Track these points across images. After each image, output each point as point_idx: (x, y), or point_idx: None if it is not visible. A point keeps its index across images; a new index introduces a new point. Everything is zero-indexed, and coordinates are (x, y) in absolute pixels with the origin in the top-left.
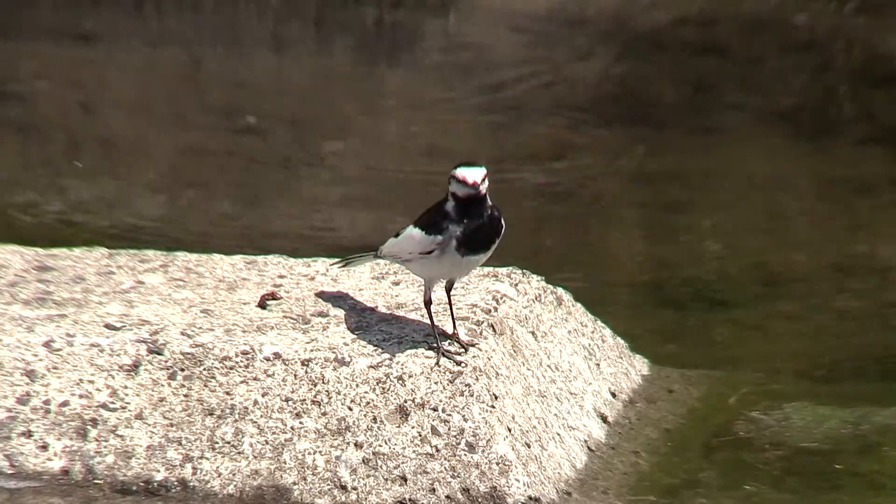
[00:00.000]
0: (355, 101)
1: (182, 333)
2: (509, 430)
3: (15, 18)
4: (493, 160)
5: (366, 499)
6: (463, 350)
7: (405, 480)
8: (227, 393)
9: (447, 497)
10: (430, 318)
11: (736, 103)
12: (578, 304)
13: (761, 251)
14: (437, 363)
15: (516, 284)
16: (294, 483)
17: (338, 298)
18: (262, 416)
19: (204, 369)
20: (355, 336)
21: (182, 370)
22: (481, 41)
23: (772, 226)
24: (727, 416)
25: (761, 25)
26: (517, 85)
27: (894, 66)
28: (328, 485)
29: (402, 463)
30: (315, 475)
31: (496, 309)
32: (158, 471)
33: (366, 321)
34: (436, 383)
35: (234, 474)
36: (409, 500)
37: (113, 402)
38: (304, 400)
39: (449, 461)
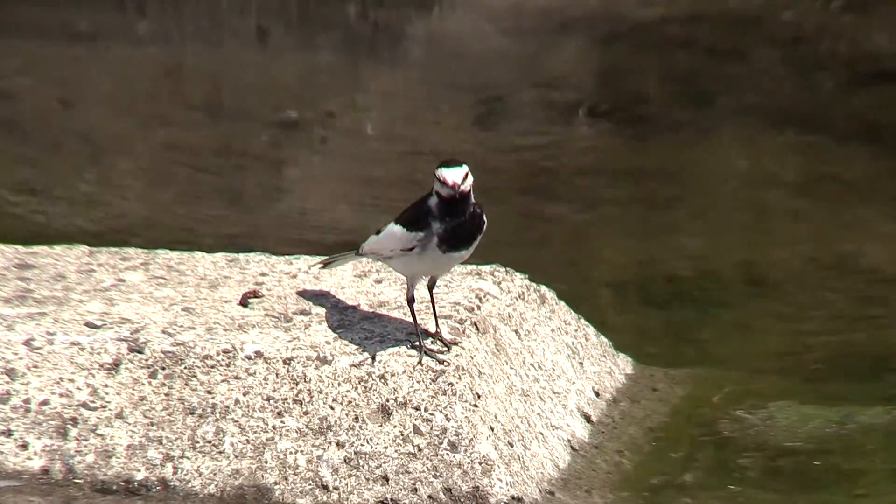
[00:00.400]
0: (339, 98)
1: (163, 332)
2: (492, 429)
3: None
4: (476, 156)
5: (347, 499)
6: (446, 349)
7: (387, 480)
8: (209, 392)
9: (429, 497)
10: (413, 316)
11: (722, 100)
12: (562, 303)
13: (746, 249)
14: (419, 362)
15: (499, 282)
16: (275, 483)
17: (320, 296)
18: (243, 416)
19: (185, 368)
20: (337, 334)
21: (163, 369)
22: (465, 37)
23: (757, 224)
24: (711, 415)
25: (747, 22)
26: (501, 81)
27: (880, 63)
28: (309, 484)
29: (384, 462)
30: (296, 475)
31: (479, 307)
32: (139, 470)
33: (348, 319)
34: (418, 382)
35: (214, 474)
36: (391, 499)
37: (93, 401)
38: (286, 399)
39: (431, 461)
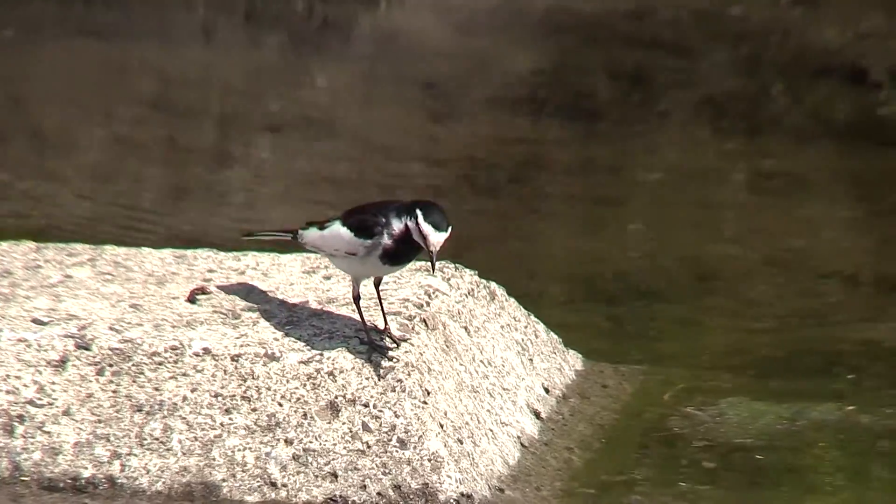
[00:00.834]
0: (285, 93)
1: (110, 328)
2: (441, 426)
3: None
4: (425, 153)
5: (296, 496)
6: (395, 345)
7: (336, 477)
8: (156, 389)
9: (378, 494)
10: (360, 313)
11: (670, 96)
12: (511, 299)
13: (695, 245)
14: (368, 359)
15: (449, 279)
16: (223, 480)
17: (268, 293)
18: (191, 413)
19: (132, 365)
20: (286, 331)
21: (110, 366)
22: (413, 33)
23: (706, 220)
24: (661, 411)
25: (696, 17)
26: (450, 77)
27: (829, 58)
28: (258, 482)
29: (333, 459)
30: (244, 472)
31: (428, 304)
32: (86, 468)
33: (297, 316)
34: (367, 379)
35: (162, 471)
36: (340, 496)
37: (40, 398)
38: (234, 396)
39: (380, 458)
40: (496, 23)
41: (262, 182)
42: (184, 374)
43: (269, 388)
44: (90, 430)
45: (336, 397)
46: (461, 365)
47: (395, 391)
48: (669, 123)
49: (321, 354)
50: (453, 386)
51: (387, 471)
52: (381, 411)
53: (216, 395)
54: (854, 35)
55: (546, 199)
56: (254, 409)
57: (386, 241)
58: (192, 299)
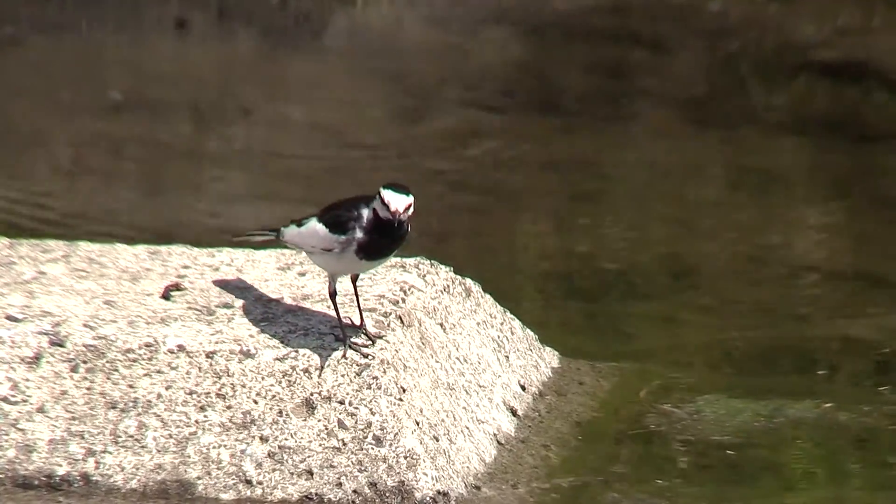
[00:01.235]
0: (259, 88)
1: (84, 325)
2: (417, 423)
3: None
4: (399, 147)
5: (271, 493)
6: (370, 342)
7: (311, 475)
8: (131, 386)
9: (354, 491)
10: (336, 309)
11: (647, 91)
12: (487, 296)
13: (672, 242)
14: (343, 355)
15: (424, 275)
16: (198, 477)
17: (243, 289)
18: (165, 410)
19: (107, 362)
20: (261, 328)
21: (84, 363)
22: (389, 28)
23: (683, 216)
24: (638, 409)
25: (674, 12)
26: (425, 71)
27: (807, 54)
28: (233, 479)
29: (309, 457)
30: (220, 469)
31: (404, 300)
32: (60, 465)
33: (272, 312)
34: (343, 376)
35: (137, 468)
36: (316, 494)
37: (14, 395)
38: (209, 393)
39: (356, 455)
40: (472, 18)
41: (236, 177)
42: (158, 372)
43: (243, 386)
44: (64, 428)
45: (311, 394)
46: (437, 362)
47: (370, 388)
48: (646, 119)
49: (296, 351)
50: (429, 383)
51: (362, 468)
52: (356, 408)
53: (191, 393)
54: (832, 30)
55: (522, 195)
56: (229, 407)
57: (359, 235)
58: (166, 296)
